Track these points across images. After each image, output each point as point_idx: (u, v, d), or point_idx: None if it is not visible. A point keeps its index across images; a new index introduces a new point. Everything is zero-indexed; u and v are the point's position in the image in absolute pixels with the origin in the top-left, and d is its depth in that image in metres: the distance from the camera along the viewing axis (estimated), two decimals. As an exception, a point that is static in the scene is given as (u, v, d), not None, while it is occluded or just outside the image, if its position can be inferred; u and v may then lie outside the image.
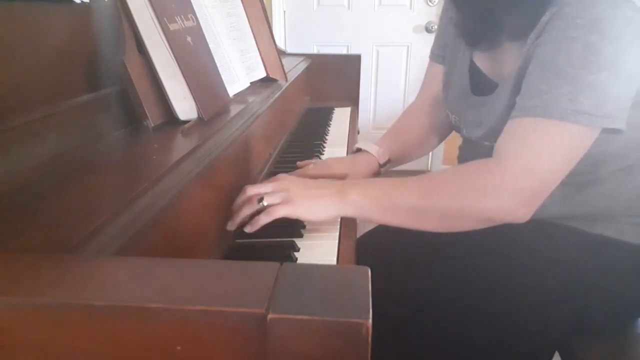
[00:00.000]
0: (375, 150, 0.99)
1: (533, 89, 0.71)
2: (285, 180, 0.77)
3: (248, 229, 0.71)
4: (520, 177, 0.70)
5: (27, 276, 0.35)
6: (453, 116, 0.96)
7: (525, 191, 0.70)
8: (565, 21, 0.70)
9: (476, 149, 0.92)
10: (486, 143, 0.86)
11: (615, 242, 0.82)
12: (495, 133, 0.80)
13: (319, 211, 0.72)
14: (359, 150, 1.01)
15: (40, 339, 0.32)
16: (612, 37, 0.67)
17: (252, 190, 0.74)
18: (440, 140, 1.10)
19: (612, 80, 0.67)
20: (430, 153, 3.14)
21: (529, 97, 0.71)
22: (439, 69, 1.02)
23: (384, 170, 1.02)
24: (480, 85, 0.88)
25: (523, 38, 0.76)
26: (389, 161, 1.02)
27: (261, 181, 0.93)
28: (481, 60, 0.89)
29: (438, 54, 1.04)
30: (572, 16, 0.69)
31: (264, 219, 0.70)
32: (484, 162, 0.74)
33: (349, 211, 0.73)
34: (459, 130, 0.97)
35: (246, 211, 0.72)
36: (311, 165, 0.96)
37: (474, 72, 0.90)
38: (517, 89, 0.76)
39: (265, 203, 0.71)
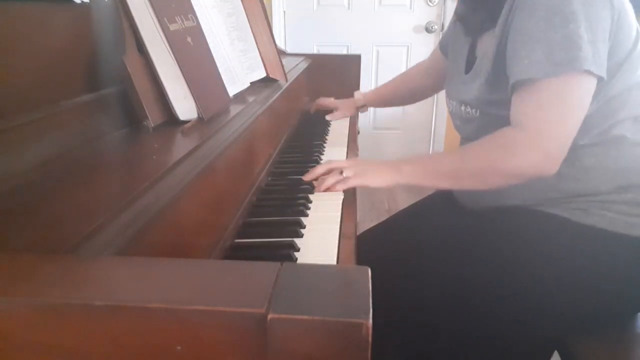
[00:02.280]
0: (356, 95, 1.53)
1: (515, 58, 0.80)
2: (357, 160, 1.03)
3: (320, 189, 0.92)
4: (533, 136, 0.79)
5: (27, 276, 0.35)
6: (450, 102, 1.02)
7: (548, 148, 0.79)
8: None
9: (469, 132, 0.97)
10: (468, 109, 0.94)
11: (607, 234, 0.82)
12: (477, 99, 0.90)
13: (383, 179, 0.89)
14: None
15: (40, 339, 0.32)
16: None
17: (334, 164, 0.94)
18: (417, 99, 1.45)
19: (581, 30, 0.74)
20: (431, 151, 3.14)
21: (513, 65, 0.80)
22: (439, 54, 1.25)
23: (362, 110, 1.54)
24: (471, 66, 0.96)
25: (492, 27, 0.86)
26: (365, 104, 1.52)
27: (261, 181, 0.94)
28: (478, 49, 0.96)
29: (442, 44, 1.23)
30: None
31: (340, 186, 0.90)
32: (504, 128, 0.83)
33: (403, 180, 0.89)
34: (453, 115, 1.02)
35: (330, 180, 0.91)
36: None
37: (470, 59, 0.97)
38: (496, 64, 0.85)
39: (345, 174, 0.90)
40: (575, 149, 0.82)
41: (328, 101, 1.57)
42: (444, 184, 0.90)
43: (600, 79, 0.78)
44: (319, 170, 0.94)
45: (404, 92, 1.43)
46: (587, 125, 0.81)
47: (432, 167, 0.89)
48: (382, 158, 3.24)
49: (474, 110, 0.93)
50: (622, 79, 0.82)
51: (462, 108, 0.95)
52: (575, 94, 0.78)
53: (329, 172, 0.93)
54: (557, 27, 0.75)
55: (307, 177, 0.95)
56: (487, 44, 0.90)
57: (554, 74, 0.76)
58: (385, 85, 1.48)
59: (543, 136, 0.78)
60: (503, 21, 0.83)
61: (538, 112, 0.78)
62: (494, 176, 0.83)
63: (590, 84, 0.77)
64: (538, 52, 0.76)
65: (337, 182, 0.90)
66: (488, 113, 0.88)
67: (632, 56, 0.82)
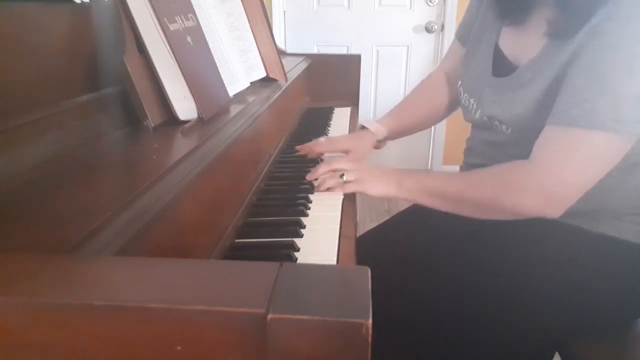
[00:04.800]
0: (374, 127, 1.14)
1: (575, 96, 0.71)
2: (359, 164, 0.94)
3: (321, 188, 0.90)
4: (553, 182, 0.74)
5: (27, 276, 0.35)
6: (465, 95, 0.96)
7: (556, 194, 0.74)
8: (615, 26, 0.69)
9: (485, 137, 0.92)
10: (496, 123, 0.86)
11: (617, 241, 0.82)
12: (517, 120, 0.81)
13: (382, 189, 0.87)
14: (362, 127, 1.16)
15: (40, 339, 0.32)
16: None
17: (336, 165, 0.92)
18: (445, 116, 1.18)
19: None
20: (430, 153, 3.14)
21: (570, 104, 0.72)
22: (459, 48, 1.06)
23: (382, 144, 1.16)
24: (501, 67, 0.89)
25: (566, 38, 0.75)
26: (387, 137, 1.15)
27: (261, 181, 0.94)
28: (505, 44, 0.90)
29: (461, 33, 1.07)
30: (622, 22, 0.69)
31: (339, 190, 0.89)
32: (521, 162, 0.78)
33: (403, 195, 0.87)
34: (468, 112, 0.96)
35: (330, 182, 0.89)
36: (322, 139, 1.10)
37: (497, 55, 0.90)
38: (556, 85, 0.75)
39: (345, 178, 0.89)
40: None
41: (332, 145, 1.09)
42: (443, 207, 0.85)
43: None
44: (320, 169, 0.92)
45: (432, 111, 1.15)
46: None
47: (434, 189, 0.85)
48: (381, 156, 3.26)
49: (504, 127, 0.85)
50: None
51: (486, 118, 0.89)
52: (614, 153, 0.72)
53: (330, 172, 0.91)
54: (635, 79, 0.67)
55: (309, 177, 0.93)
56: (529, 45, 0.82)
57: (610, 129, 0.69)
58: (404, 108, 1.17)
59: (561, 184, 0.73)
60: (579, 40, 0.73)
61: (565, 158, 0.72)
62: (495, 211, 0.81)
63: (632, 143, 0.72)
64: (605, 102, 0.68)
65: (337, 185, 0.89)
66: (524, 137, 0.79)
67: None
